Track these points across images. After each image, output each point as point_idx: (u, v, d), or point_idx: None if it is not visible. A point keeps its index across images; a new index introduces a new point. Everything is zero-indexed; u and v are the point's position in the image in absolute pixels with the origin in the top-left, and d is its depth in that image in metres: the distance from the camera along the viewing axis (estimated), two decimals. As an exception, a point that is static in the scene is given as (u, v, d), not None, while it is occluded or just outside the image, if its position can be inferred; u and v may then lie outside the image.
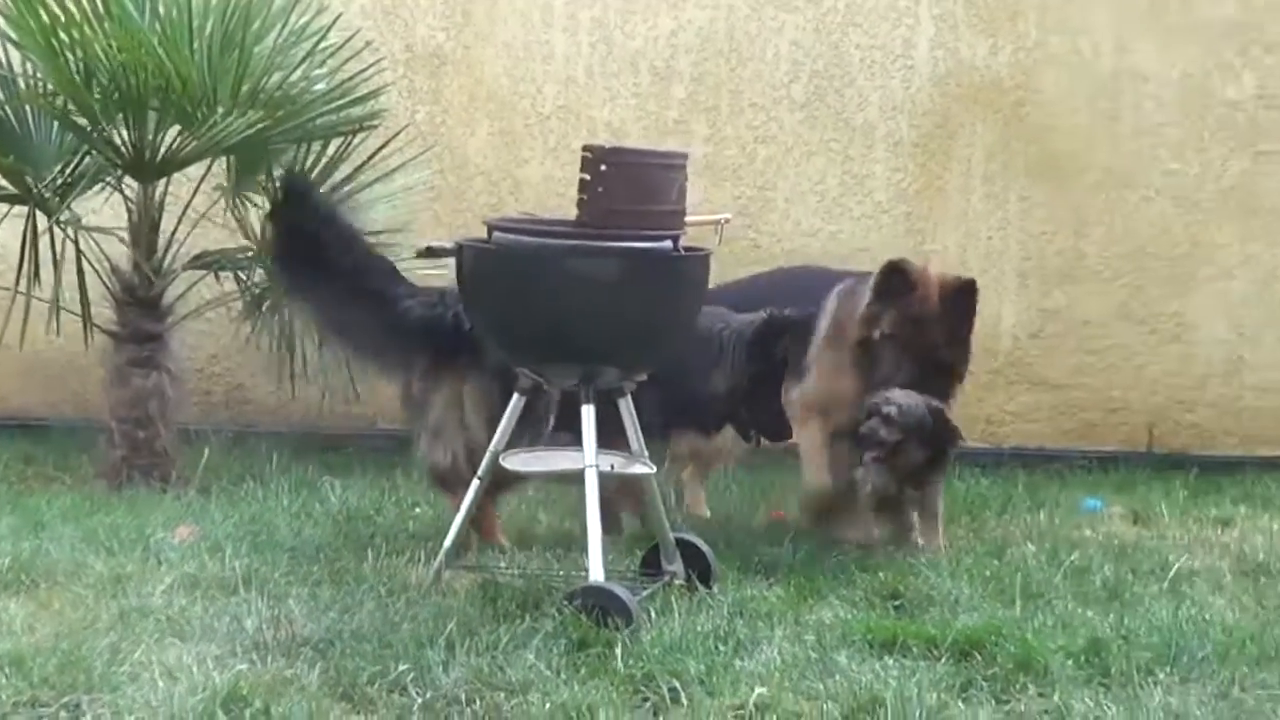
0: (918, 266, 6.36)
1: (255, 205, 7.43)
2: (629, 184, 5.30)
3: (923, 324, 6.21)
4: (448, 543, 5.50)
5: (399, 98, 8.13)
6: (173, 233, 7.32)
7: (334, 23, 7.28)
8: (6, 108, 7.06)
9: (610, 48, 8.30)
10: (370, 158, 7.41)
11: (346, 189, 7.33)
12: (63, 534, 5.99)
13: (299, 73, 7.15)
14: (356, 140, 7.39)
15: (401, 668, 4.59)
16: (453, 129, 8.32)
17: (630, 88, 8.30)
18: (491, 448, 5.47)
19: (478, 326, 5.54)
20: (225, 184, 7.33)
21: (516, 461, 5.54)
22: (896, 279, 6.26)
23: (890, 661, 4.80)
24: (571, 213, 5.34)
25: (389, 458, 7.45)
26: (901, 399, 6.11)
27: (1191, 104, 8.20)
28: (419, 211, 7.90)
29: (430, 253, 5.53)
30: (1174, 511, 7.06)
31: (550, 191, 8.19)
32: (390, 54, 8.15)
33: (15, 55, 7.15)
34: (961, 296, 6.28)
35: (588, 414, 5.27)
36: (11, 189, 7.07)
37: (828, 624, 5.17)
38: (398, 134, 7.63)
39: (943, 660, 4.81)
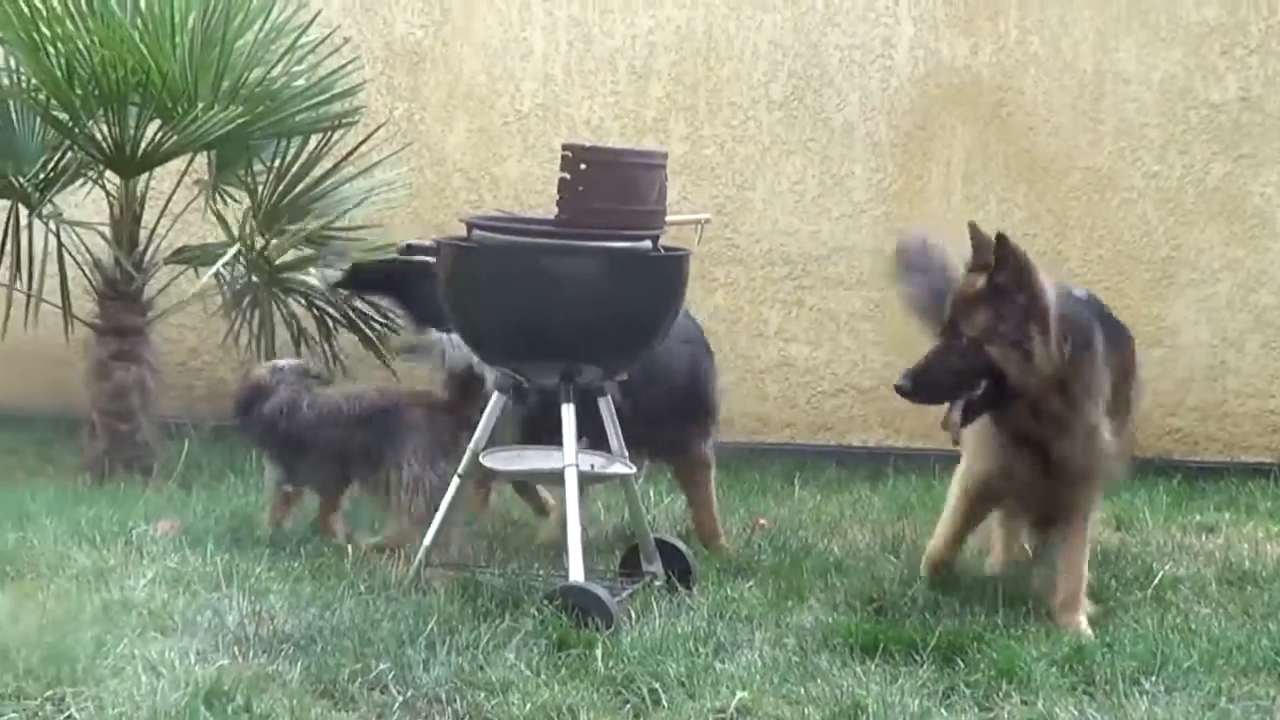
0: None
1: (234, 200, 7.46)
2: (609, 183, 5.32)
3: None
4: (428, 540, 5.51)
5: (378, 94, 8.17)
6: (154, 227, 7.34)
7: (314, 19, 7.33)
8: (-11, 102, 7.07)
9: (589, 46, 8.32)
10: (349, 154, 7.43)
11: (325, 185, 7.35)
12: (46, 526, 5.99)
13: (279, 68, 7.20)
14: (335, 136, 7.42)
15: (382, 666, 4.62)
16: (431, 126, 8.34)
17: (608, 86, 8.33)
18: (471, 446, 5.49)
19: (457, 325, 5.55)
20: (206, 179, 7.35)
21: (495, 460, 5.57)
22: None
23: (872, 666, 4.81)
24: (551, 211, 5.36)
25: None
26: None
27: (1174, 106, 8.23)
28: (398, 208, 7.93)
29: (410, 250, 5.53)
30: (1157, 518, 7.03)
31: (529, 189, 8.22)
32: (369, 50, 8.19)
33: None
34: None
35: (567, 413, 5.29)
36: (-6, 184, 7.08)
37: (808, 627, 5.19)
38: (376, 130, 7.67)
39: (924, 665, 4.83)
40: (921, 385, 5.32)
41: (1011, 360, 5.18)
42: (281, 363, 6.30)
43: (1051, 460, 5.41)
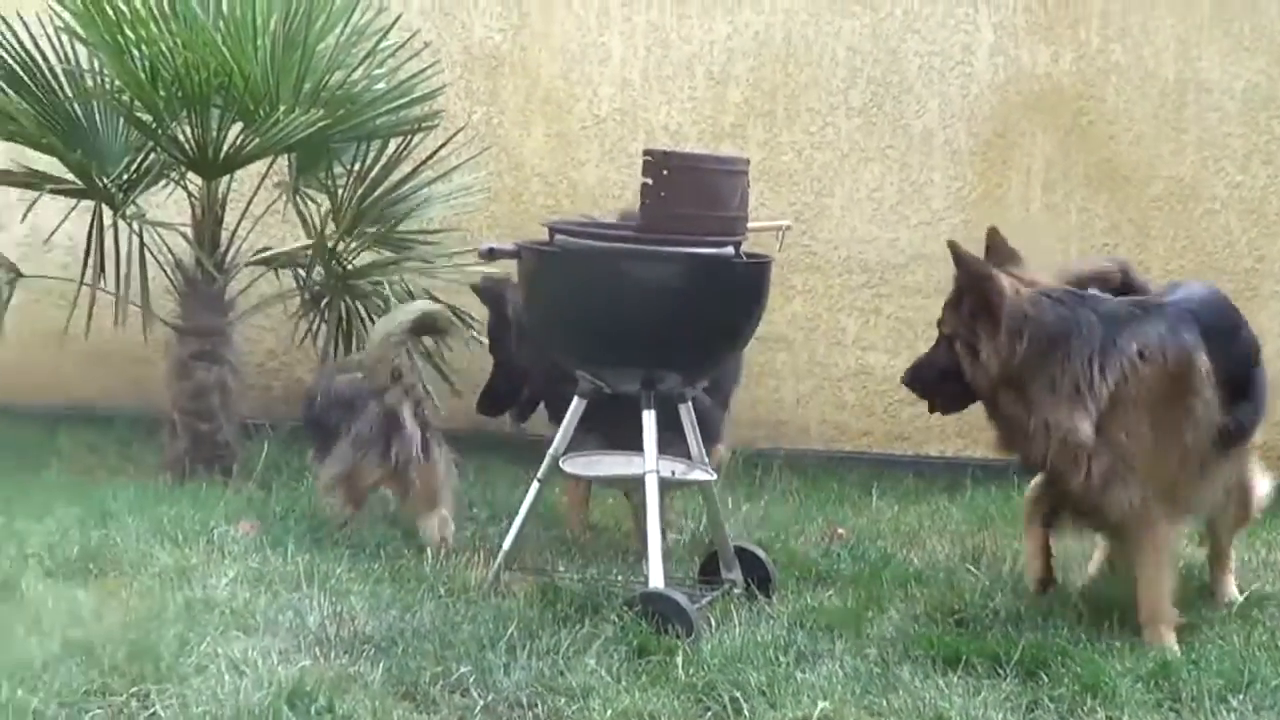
0: None
1: (314, 202, 7.49)
2: (691, 189, 5.32)
3: None
4: (507, 544, 5.53)
5: (456, 98, 8.18)
6: (235, 229, 7.38)
7: (395, 22, 7.34)
8: (74, 104, 7.11)
9: (666, 51, 8.32)
10: (428, 158, 7.45)
11: (404, 188, 7.38)
12: (129, 524, 6.05)
13: (359, 72, 7.20)
14: (414, 140, 7.43)
15: (463, 669, 4.64)
16: (509, 130, 8.35)
17: (686, 91, 8.32)
18: (551, 450, 5.50)
19: (537, 329, 5.56)
20: (286, 181, 7.39)
21: (575, 465, 5.57)
22: None
23: (954, 679, 4.79)
24: (631, 216, 5.36)
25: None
26: None
27: (1257, 115, 8.16)
28: (476, 212, 7.96)
29: (491, 254, 5.53)
30: (1243, 534, 6.93)
31: (606, 194, 8.22)
32: (447, 54, 8.20)
33: (83, 51, 7.20)
34: None
35: (648, 419, 5.29)
36: (79, 184, 7.12)
37: (889, 638, 5.17)
38: (456, 134, 7.68)
39: (1007, 679, 4.80)
40: (914, 379, 5.65)
41: (964, 357, 5.39)
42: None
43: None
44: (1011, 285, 5.32)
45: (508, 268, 5.83)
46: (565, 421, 5.47)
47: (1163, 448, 5.32)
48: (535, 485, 5.54)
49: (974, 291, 5.35)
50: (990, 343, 5.30)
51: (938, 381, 5.54)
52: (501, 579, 5.51)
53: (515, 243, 5.52)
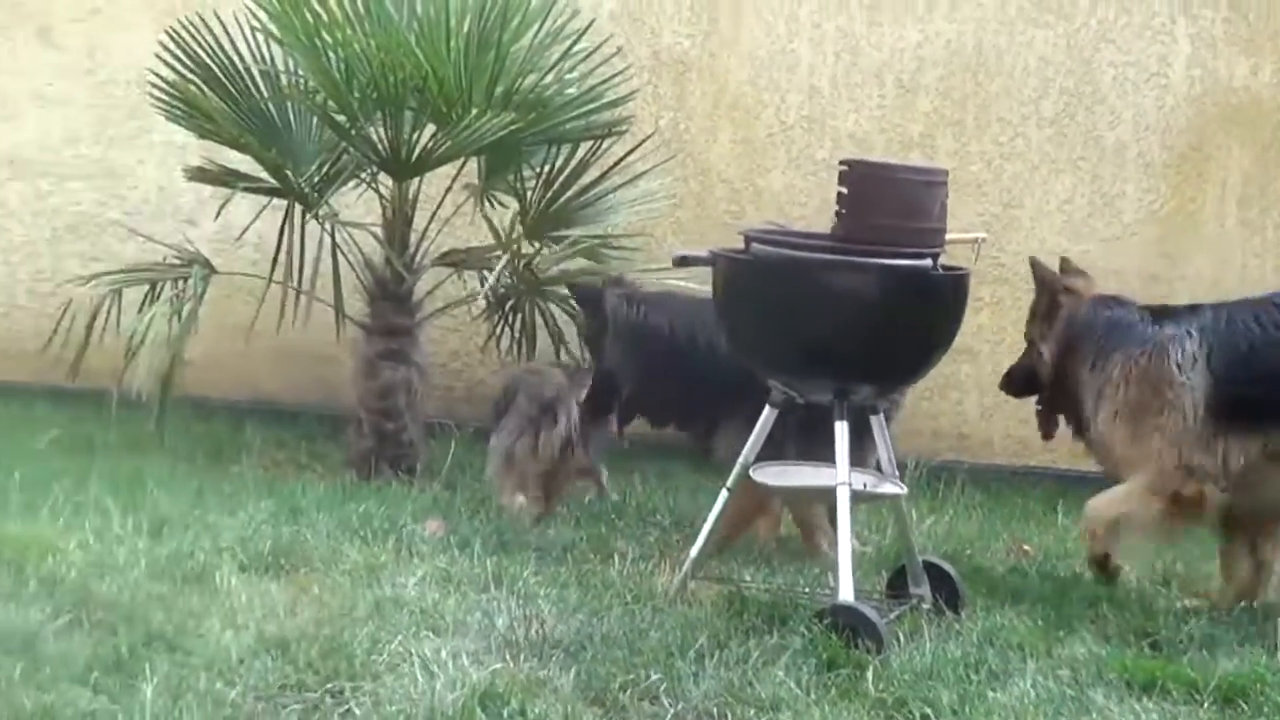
0: None
1: (502, 205, 7.53)
2: (890, 199, 5.27)
3: None
4: (693, 552, 5.51)
5: (643, 104, 8.17)
6: (424, 230, 7.43)
7: (588, 27, 7.35)
8: (270, 103, 7.21)
9: (855, 58, 8.26)
10: (617, 163, 7.46)
11: (592, 192, 7.40)
12: (318, 521, 6.12)
13: (551, 75, 7.22)
14: (602, 144, 7.44)
15: (653, 677, 4.61)
16: (696, 136, 8.34)
17: (875, 99, 8.26)
18: (741, 460, 5.47)
19: (731, 337, 5.53)
20: (475, 183, 7.43)
21: (766, 475, 5.54)
22: None
23: (1150, 704, 4.70)
24: (818, 224, 5.33)
25: (628, 463, 7.48)
26: None
27: None
28: (660, 218, 7.94)
29: (684, 261, 5.52)
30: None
31: (791, 201, 8.20)
32: (636, 60, 8.19)
33: (278, 51, 7.30)
34: None
35: (841, 430, 5.24)
36: (273, 182, 7.22)
37: (1081, 659, 5.07)
38: (645, 140, 7.68)
39: (1205, 706, 4.71)
40: (1004, 384, 6.52)
41: (1032, 355, 6.28)
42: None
43: None
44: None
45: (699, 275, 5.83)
46: (756, 430, 5.44)
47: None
48: (724, 494, 5.51)
49: (1041, 297, 6.27)
50: (1048, 343, 6.18)
51: (1023, 383, 6.35)
52: (688, 587, 5.49)
53: (710, 250, 5.50)
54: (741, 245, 5.46)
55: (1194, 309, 5.98)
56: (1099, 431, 5.98)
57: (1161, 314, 6.03)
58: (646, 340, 6.53)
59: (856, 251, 5.22)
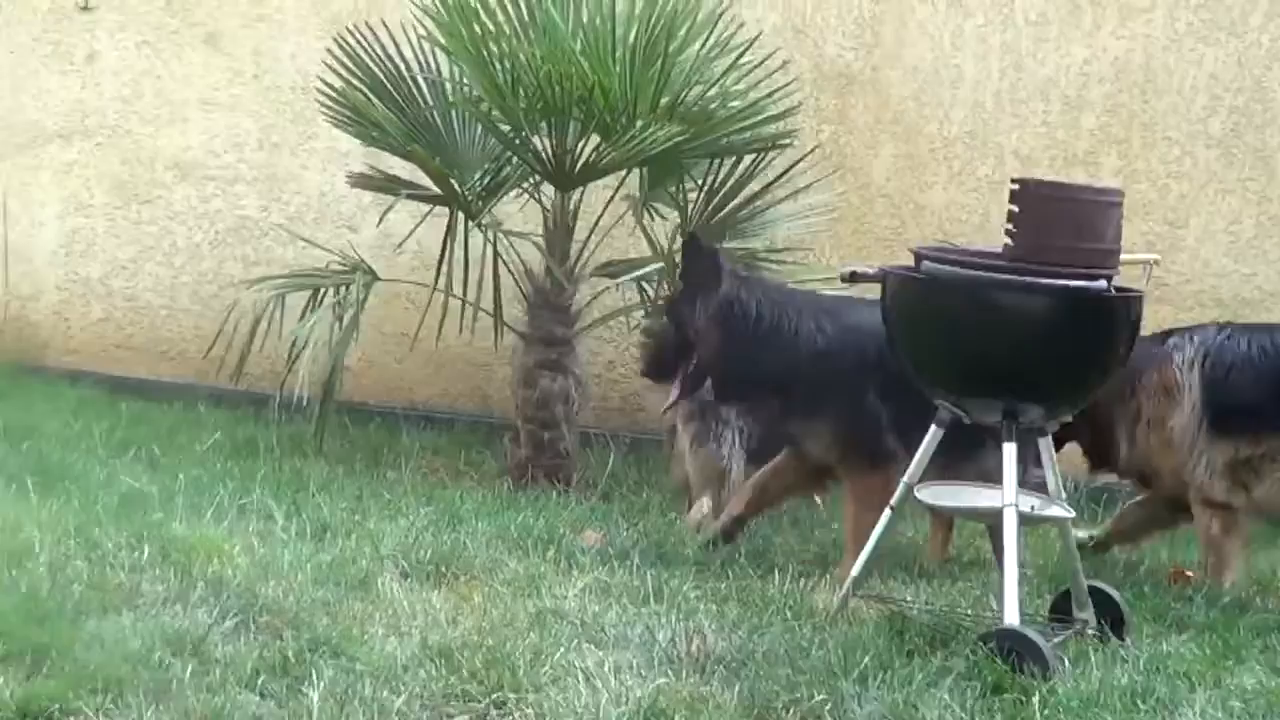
0: None
1: (662, 217, 7.53)
2: (1065, 220, 5.19)
3: None
4: (855, 570, 5.46)
5: (805, 117, 8.12)
6: (585, 240, 7.44)
7: (755, 39, 7.32)
8: (435, 112, 7.26)
9: (1020, 74, 8.17)
10: (780, 176, 7.44)
11: (754, 205, 7.38)
12: (477, 529, 6.15)
13: (717, 88, 7.20)
14: (765, 157, 7.42)
15: (817, 697, 4.57)
16: (857, 150, 8.28)
17: (1039, 116, 8.16)
18: (905, 479, 5.42)
19: (899, 354, 5.48)
20: (636, 194, 7.43)
21: (930, 495, 5.48)
22: None
23: (1327, 741, 4.60)
24: (979, 240, 5.26)
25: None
26: None
27: None
28: (819, 232, 7.89)
29: (854, 277, 5.49)
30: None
31: (953, 217, 8.12)
32: (798, 72, 8.15)
33: (443, 59, 7.34)
34: None
35: (1009, 451, 5.18)
36: (436, 190, 7.27)
37: (1251, 690, 4.95)
38: (809, 153, 7.65)
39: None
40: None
41: None
42: None
43: None
44: None
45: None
46: (920, 451, 5.38)
47: None
48: (887, 512, 5.45)
49: None
50: None
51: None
52: (848, 605, 5.45)
53: (880, 266, 5.46)
54: (911, 262, 5.42)
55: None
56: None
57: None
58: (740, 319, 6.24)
59: (1030, 271, 5.14)
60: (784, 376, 6.14)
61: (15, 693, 4.32)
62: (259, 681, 4.47)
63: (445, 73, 7.38)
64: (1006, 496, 5.15)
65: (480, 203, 7.25)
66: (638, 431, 8.01)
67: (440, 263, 7.37)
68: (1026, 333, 5.14)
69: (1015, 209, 5.19)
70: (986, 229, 7.86)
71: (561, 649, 4.83)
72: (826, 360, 6.11)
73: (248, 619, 4.92)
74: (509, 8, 7.10)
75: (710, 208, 7.33)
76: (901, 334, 5.42)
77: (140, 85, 8.98)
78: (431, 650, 4.74)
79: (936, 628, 5.26)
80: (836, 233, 8.12)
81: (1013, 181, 5.27)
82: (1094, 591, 5.49)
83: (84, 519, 5.81)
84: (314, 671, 4.53)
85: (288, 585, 5.23)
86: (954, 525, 6.51)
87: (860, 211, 8.25)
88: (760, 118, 7.27)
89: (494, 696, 4.48)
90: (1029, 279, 5.13)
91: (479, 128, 7.30)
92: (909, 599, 5.66)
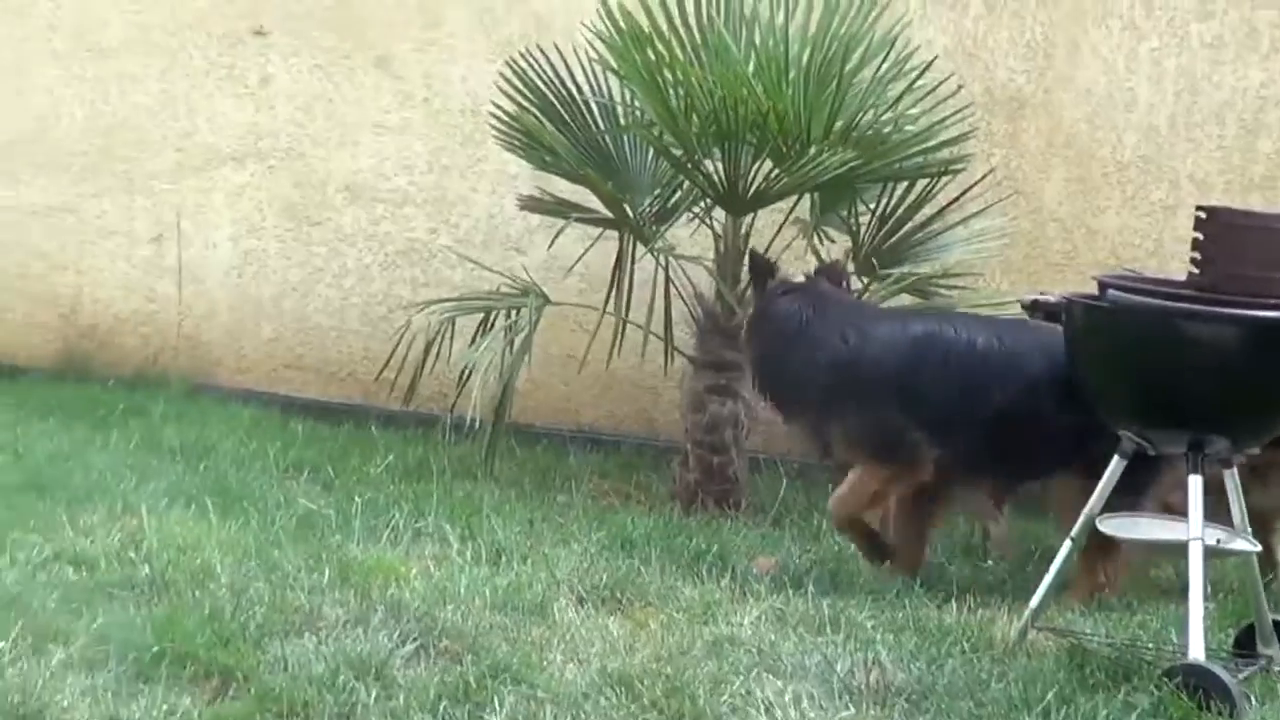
0: None
1: (831, 241, 7.49)
2: (1255, 248, 5.11)
3: None
4: (1035, 602, 5.39)
5: (975, 141, 8.02)
6: (755, 265, 7.43)
7: (931, 63, 7.26)
8: (606, 136, 7.28)
9: (1195, 98, 8.03)
10: (953, 201, 7.38)
11: (926, 230, 7.33)
12: (649, 554, 6.15)
13: (891, 112, 7.15)
14: (937, 183, 7.37)
15: (1001, 732, 4.53)
16: (1028, 174, 8.18)
17: (1214, 140, 8.02)
18: (1087, 510, 5.35)
19: (1083, 384, 5.42)
20: (807, 218, 7.40)
21: (1113, 526, 5.40)
22: None
23: None
24: (1152, 266, 5.19)
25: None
26: None
27: None
28: (990, 256, 7.80)
29: (1035, 306, 5.45)
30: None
31: (1125, 242, 8.00)
32: (969, 96, 8.08)
33: (614, 83, 7.36)
34: None
35: (1194, 484, 5.09)
36: (607, 214, 7.29)
37: None
38: (982, 179, 7.58)
39: None
40: None
41: None
42: None
43: None
44: None
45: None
46: (1103, 480, 5.31)
47: None
48: (1067, 544, 5.39)
49: None
50: None
51: None
52: (1027, 636, 5.38)
53: (1062, 295, 5.40)
54: (1090, 289, 5.36)
55: None
56: None
57: None
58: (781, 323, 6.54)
59: (1219, 301, 5.07)
60: (811, 382, 6.39)
61: (203, 714, 4.40)
62: (441, 707, 4.51)
63: (616, 96, 7.39)
64: (1192, 530, 5.07)
65: (652, 227, 7.26)
66: (806, 456, 7.95)
67: (611, 286, 7.39)
68: (1215, 363, 5.06)
69: (1200, 236, 5.12)
70: (1160, 254, 7.76)
71: (740, 678, 4.82)
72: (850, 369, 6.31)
73: (427, 643, 4.96)
74: (681, 31, 7.09)
75: (883, 231, 7.28)
76: (1084, 363, 5.36)
77: (312, 108, 9.08)
78: (611, 677, 4.74)
79: (1118, 661, 5.18)
80: (1007, 258, 8.01)
81: (1198, 209, 5.19)
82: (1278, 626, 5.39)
83: (263, 540, 5.89)
84: (495, 698, 4.56)
85: (465, 610, 5.26)
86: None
87: (1032, 236, 8.15)
88: (934, 142, 7.21)
89: (675, 726, 4.48)
90: (1219, 309, 5.05)
91: (650, 151, 7.30)
92: (1088, 631, 5.57)
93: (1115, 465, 5.29)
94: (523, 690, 4.64)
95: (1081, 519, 5.35)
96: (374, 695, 4.51)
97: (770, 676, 4.89)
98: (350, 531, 6.09)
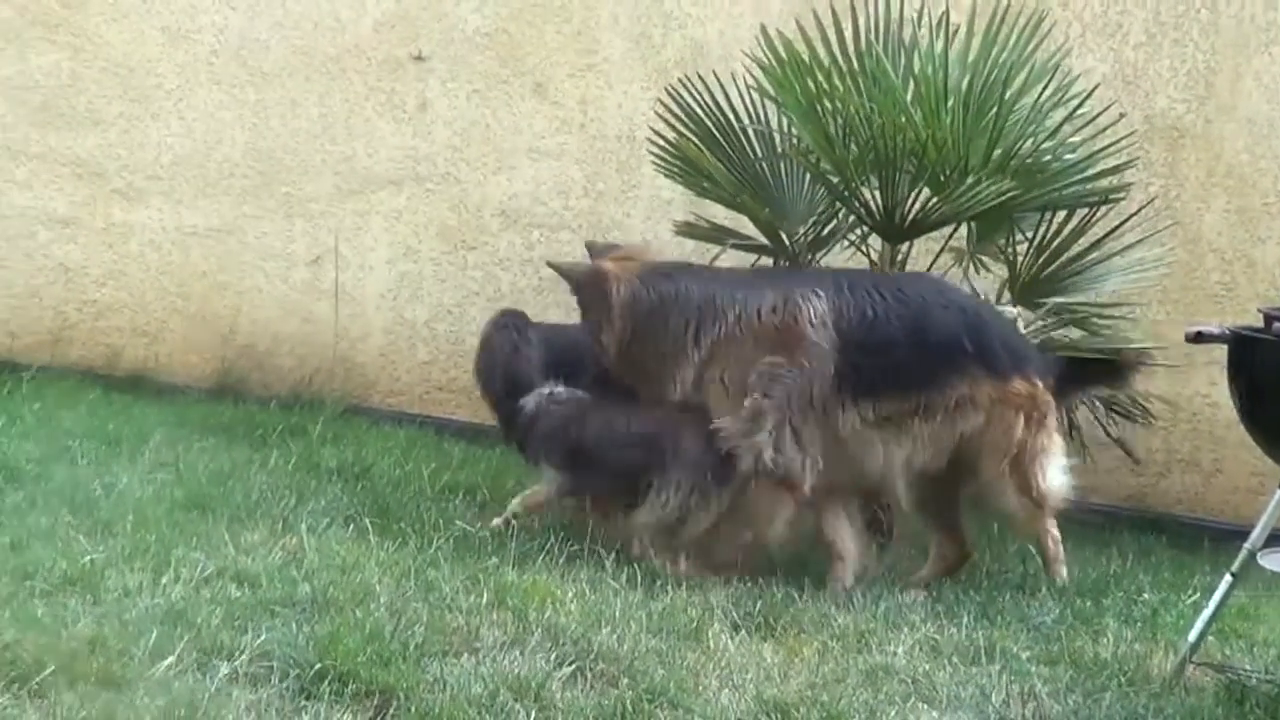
0: None
1: (988, 270, 7.44)
2: None
3: None
4: (1192, 637, 5.34)
5: (1134, 170, 7.96)
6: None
7: (1092, 91, 7.21)
8: (763, 163, 7.29)
9: (1360, 127, 7.93)
10: (1111, 231, 7.30)
11: (1084, 260, 7.26)
12: (802, 581, 6.17)
13: (1051, 140, 7.10)
14: (1096, 212, 7.30)
15: (1163, 769, 4.49)
16: (1187, 203, 8.09)
17: (1373, 170, 7.91)
18: (1247, 545, 5.29)
19: (1246, 418, 5.36)
20: (963, 246, 7.36)
21: (1274, 561, 5.33)
22: None
23: None
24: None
25: (1100, 534, 7.32)
26: None
27: None
28: (1147, 286, 7.72)
29: (1200, 338, 5.40)
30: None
31: (1288, 274, 7.90)
32: (1128, 125, 8.00)
33: (771, 109, 7.37)
34: None
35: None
36: (764, 240, 7.30)
37: None
38: (1141, 209, 7.51)
39: None
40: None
41: None
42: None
43: None
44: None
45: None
46: (1265, 514, 5.25)
47: None
48: (1228, 579, 5.33)
49: None
50: None
51: None
52: (1185, 671, 5.32)
53: (1226, 326, 5.35)
54: (1250, 321, 5.32)
55: None
56: None
57: None
58: None
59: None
60: None
61: (365, 732, 4.46)
62: (599, 730, 4.54)
63: (773, 123, 7.40)
64: (1345, 565, 5.02)
65: (807, 254, 7.26)
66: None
67: (766, 313, 7.39)
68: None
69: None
70: (1320, 286, 7.67)
71: (895, 707, 4.83)
72: None
73: (584, 666, 5.00)
74: (839, 59, 7.09)
75: (1040, 261, 7.21)
76: (1248, 396, 5.30)
77: (469, 134, 9.19)
78: (767, 704, 4.76)
79: (1279, 699, 5.11)
80: (1164, 288, 7.92)
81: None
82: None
83: (421, 561, 5.96)
84: (652, 722, 4.58)
85: (621, 633, 5.29)
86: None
87: (1189, 266, 8.05)
88: (1093, 171, 7.16)
89: (827, 757, 4.49)
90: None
91: (806, 179, 7.29)
92: (1248, 667, 5.50)
93: (1278, 498, 5.23)
94: (679, 714, 4.68)
95: (1242, 553, 5.29)
96: (532, 716, 4.56)
97: (925, 706, 4.90)
98: (506, 554, 6.14)
